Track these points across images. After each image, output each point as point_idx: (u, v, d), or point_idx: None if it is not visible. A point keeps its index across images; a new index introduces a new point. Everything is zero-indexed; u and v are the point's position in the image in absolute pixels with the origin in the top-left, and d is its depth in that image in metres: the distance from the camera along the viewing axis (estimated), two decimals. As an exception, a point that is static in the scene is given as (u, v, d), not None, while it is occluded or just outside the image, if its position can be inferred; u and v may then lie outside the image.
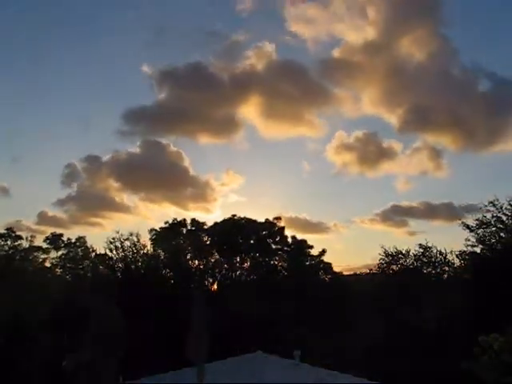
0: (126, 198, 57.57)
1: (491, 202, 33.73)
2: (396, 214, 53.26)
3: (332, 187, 59.96)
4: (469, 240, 34.42)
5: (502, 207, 33.50)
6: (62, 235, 44.69)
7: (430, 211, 50.49)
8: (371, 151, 42.66)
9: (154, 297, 35.03)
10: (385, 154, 48.28)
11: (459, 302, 31.05)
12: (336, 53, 39.11)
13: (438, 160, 52.04)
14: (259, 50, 42.94)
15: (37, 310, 30.15)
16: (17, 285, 32.18)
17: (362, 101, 44.69)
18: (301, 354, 21.40)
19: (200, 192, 49.37)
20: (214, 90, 40.97)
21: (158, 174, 45.17)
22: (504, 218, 33.59)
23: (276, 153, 52.04)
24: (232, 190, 65.69)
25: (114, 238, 41.15)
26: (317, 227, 53.98)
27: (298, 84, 36.51)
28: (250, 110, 43.48)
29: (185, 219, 46.78)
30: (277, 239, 46.02)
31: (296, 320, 34.81)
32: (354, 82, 38.87)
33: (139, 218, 57.42)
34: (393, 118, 44.59)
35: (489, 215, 33.86)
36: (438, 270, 37.69)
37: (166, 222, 46.62)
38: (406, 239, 53.80)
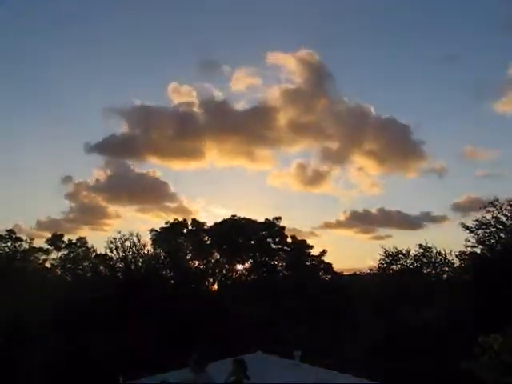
0: (115, 208, 60.99)
1: (491, 203, 33.72)
2: (359, 221, 59.75)
3: (291, 201, 66.32)
4: (469, 241, 34.42)
5: (501, 208, 33.51)
6: (62, 236, 44.73)
7: (386, 218, 56.12)
8: (318, 174, 54.86)
9: (154, 297, 35.03)
10: (327, 175, 58.89)
11: (459, 303, 31.05)
12: (267, 102, 51.44)
13: (370, 179, 61.77)
14: (207, 95, 54.83)
15: (37, 311, 30.14)
16: (17, 285, 32.18)
17: (299, 140, 58.68)
18: (301, 354, 21.39)
19: (180, 205, 56.59)
20: (178, 127, 50.75)
21: (143, 191, 52.81)
22: (504, 218, 33.59)
23: (237, 178, 62.88)
24: (209, 204, 73.43)
25: (114, 238, 41.16)
26: (297, 233, 55.72)
27: (241, 125, 46.24)
28: (210, 146, 53.95)
29: (185, 219, 46.75)
30: (277, 239, 45.98)
31: (296, 320, 34.81)
32: (283, 124, 51.30)
33: (132, 225, 58.49)
34: (323, 149, 57.36)
35: (488, 216, 33.87)
36: (438, 271, 37.68)
37: (166, 222, 46.58)
38: (374, 243, 62.65)
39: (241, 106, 54.88)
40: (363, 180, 65.02)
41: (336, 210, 77.98)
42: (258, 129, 49.53)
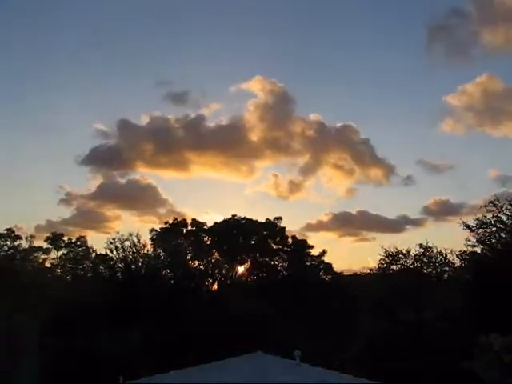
0: (111, 213, 65.95)
1: (491, 202, 33.67)
2: (343, 226, 63.58)
3: (273, 208, 71.32)
4: (469, 240, 34.37)
5: (502, 207, 33.46)
6: (62, 235, 44.63)
7: (367, 222, 59.73)
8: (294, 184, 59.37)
9: (153, 297, 35.03)
10: (305, 185, 63.15)
11: (459, 302, 31.03)
12: (241, 124, 56.29)
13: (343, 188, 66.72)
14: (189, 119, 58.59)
15: (37, 311, 30.11)
16: (17, 285, 32.15)
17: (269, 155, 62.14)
18: (301, 354, 21.37)
19: (173, 210, 58.02)
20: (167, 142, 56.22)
21: (135, 197, 56.99)
22: (504, 218, 33.54)
23: (219, 188, 66.75)
24: (199, 211, 75.63)
25: (114, 239, 41.15)
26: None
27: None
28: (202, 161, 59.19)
29: (185, 219, 46.65)
30: (277, 239, 45.97)
31: (296, 320, 34.81)
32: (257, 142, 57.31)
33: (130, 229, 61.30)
34: (297, 162, 66.41)
35: (489, 215, 33.81)
36: (439, 270, 37.64)
37: (165, 222, 46.52)
38: (361, 245, 64.41)
39: (219, 126, 60.11)
40: (336, 189, 72.00)
41: (317, 215, 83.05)
42: (235, 146, 55.67)
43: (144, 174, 71.30)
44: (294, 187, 61.36)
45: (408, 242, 60.49)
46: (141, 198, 58.50)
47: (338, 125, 65.01)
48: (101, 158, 58.01)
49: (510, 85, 60.00)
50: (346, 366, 24.89)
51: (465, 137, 67.34)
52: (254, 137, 58.98)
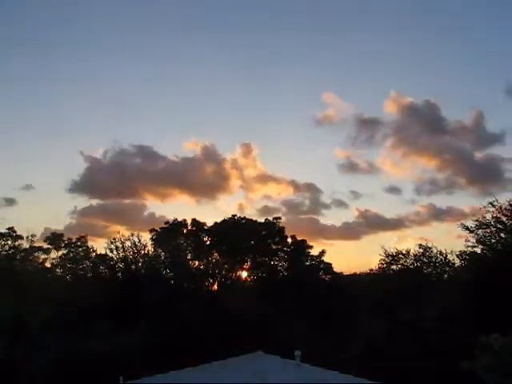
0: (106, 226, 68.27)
1: (491, 203, 33.73)
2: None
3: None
4: (469, 240, 34.43)
5: (501, 208, 33.51)
6: (62, 235, 44.54)
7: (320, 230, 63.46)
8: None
9: (154, 297, 35.05)
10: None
11: (459, 302, 31.04)
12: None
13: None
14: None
15: (37, 311, 30.12)
16: (17, 285, 32.17)
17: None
18: (301, 354, 21.39)
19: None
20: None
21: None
22: (504, 218, 33.58)
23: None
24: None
25: (114, 239, 41.22)
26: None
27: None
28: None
29: (185, 219, 46.56)
30: (276, 239, 45.97)
31: (296, 320, 34.82)
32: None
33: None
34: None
35: (488, 216, 33.87)
36: (439, 270, 37.69)
37: (166, 222, 46.42)
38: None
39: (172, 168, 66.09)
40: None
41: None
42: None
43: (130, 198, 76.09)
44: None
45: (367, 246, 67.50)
46: (130, 214, 64.23)
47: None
48: (92, 185, 62.53)
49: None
50: (345, 365, 24.84)
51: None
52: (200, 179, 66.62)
